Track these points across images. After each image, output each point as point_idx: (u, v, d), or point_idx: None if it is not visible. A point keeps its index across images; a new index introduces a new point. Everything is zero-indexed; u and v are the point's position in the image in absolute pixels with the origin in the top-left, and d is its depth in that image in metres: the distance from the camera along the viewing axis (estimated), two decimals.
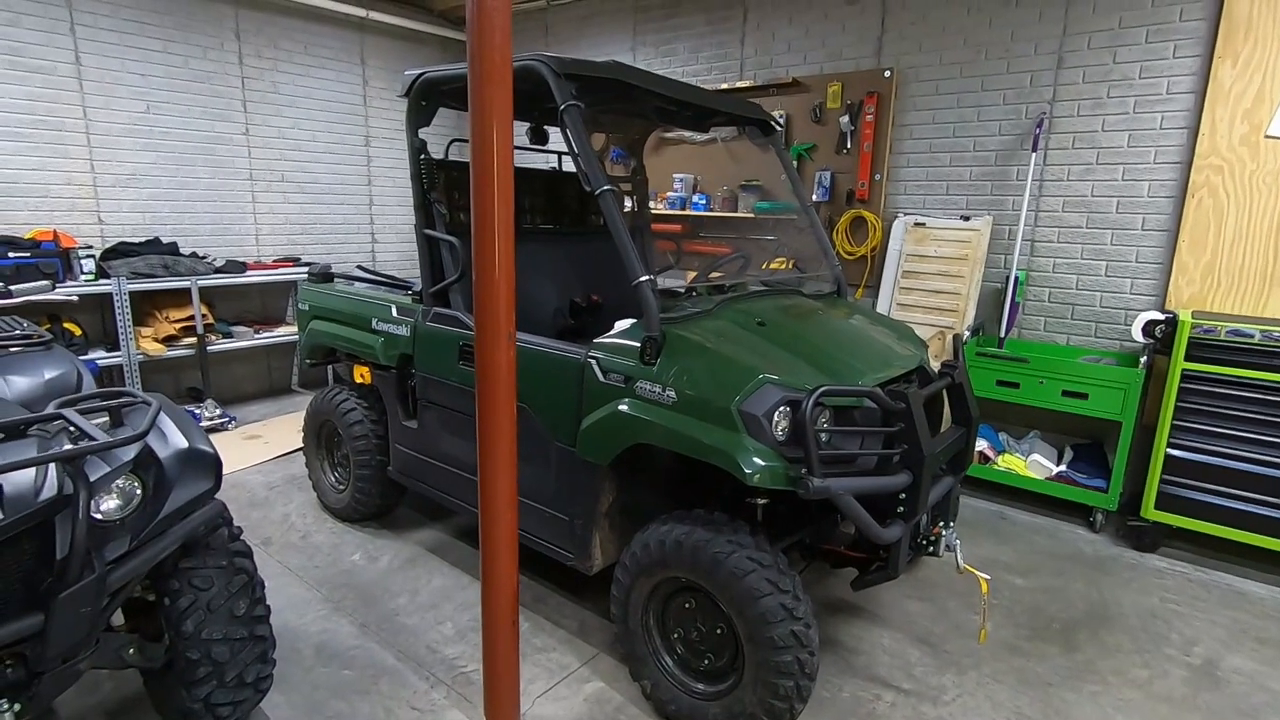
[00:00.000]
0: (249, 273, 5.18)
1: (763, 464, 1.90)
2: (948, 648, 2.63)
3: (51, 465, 1.50)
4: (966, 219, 4.21)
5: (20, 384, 1.99)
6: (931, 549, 2.33)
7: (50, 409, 1.58)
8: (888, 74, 4.43)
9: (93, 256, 4.46)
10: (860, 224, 4.67)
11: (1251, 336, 3.09)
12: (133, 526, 1.64)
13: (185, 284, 4.76)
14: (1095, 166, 3.84)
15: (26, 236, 4.34)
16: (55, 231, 4.43)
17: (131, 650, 1.84)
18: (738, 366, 2.03)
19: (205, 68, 5.14)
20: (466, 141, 2.28)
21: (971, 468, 3.20)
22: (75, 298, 4.32)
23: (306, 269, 5.41)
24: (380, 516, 3.55)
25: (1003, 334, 4.06)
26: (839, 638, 2.67)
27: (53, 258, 4.29)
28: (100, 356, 4.49)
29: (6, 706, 1.49)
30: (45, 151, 4.51)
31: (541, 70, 2.28)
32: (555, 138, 5.19)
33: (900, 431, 2.05)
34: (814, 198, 4.80)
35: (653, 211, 5.10)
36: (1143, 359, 3.49)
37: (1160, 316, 3.46)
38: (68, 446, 1.51)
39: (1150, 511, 3.37)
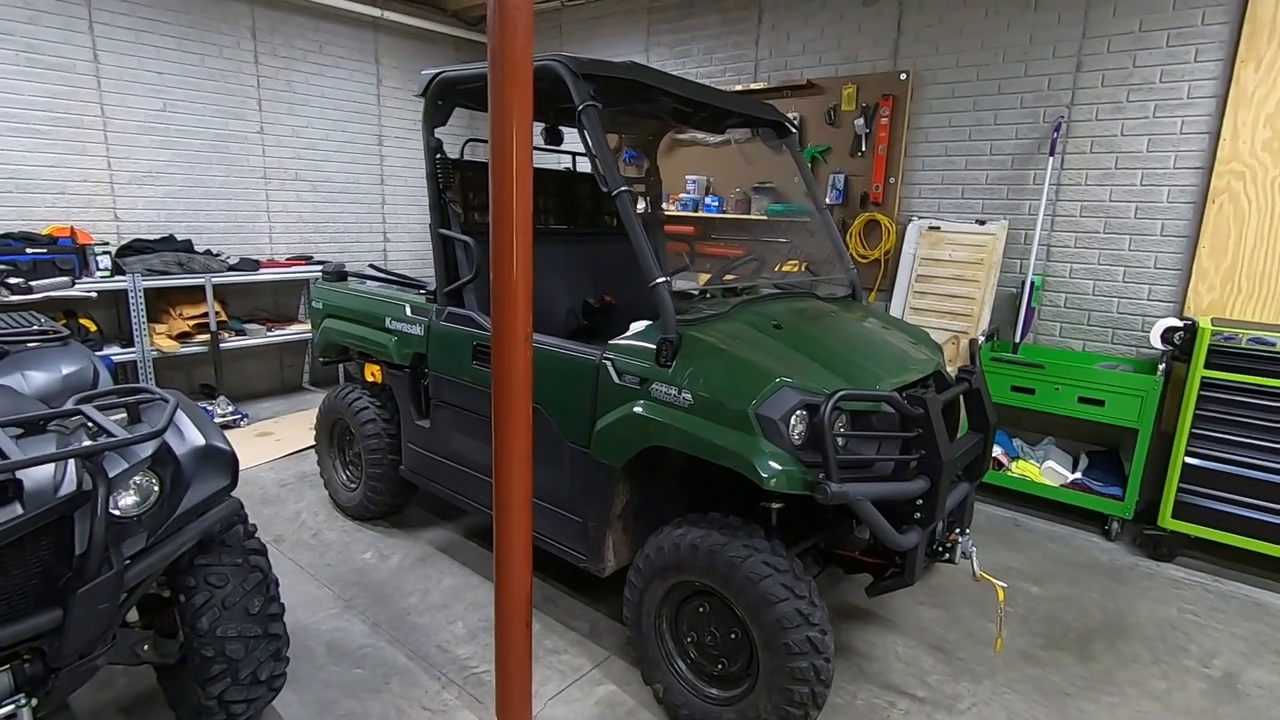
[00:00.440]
0: (262, 270, 5.20)
1: (780, 468, 1.88)
2: (962, 655, 2.61)
3: (71, 461, 1.51)
4: (982, 223, 4.18)
5: (38, 379, 2.00)
6: (947, 556, 2.31)
7: (69, 405, 1.58)
8: (904, 76, 4.41)
9: (109, 253, 4.49)
10: (874, 227, 4.64)
11: (1274, 345, 3.05)
12: (150, 523, 1.64)
13: (199, 281, 4.78)
14: (1114, 171, 3.80)
15: (44, 232, 4.37)
16: (72, 228, 4.46)
17: (146, 646, 1.85)
18: (755, 369, 2.01)
19: (221, 66, 5.17)
20: (482, 141, 2.28)
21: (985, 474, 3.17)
22: (94, 294, 4.35)
23: (319, 267, 5.43)
24: (391, 515, 3.55)
25: (1018, 339, 4.02)
26: (852, 644, 2.65)
27: (69, 254, 4.32)
28: (115, 352, 4.52)
29: (25, 701, 1.49)
30: (63, 148, 4.55)
31: (560, 70, 2.28)
32: (569, 138, 5.19)
33: (918, 437, 2.03)
34: (827, 200, 4.78)
35: (665, 213, 5.10)
36: (1161, 366, 3.45)
37: (1179, 323, 3.42)
38: (87, 442, 1.51)
39: (1167, 520, 3.33)
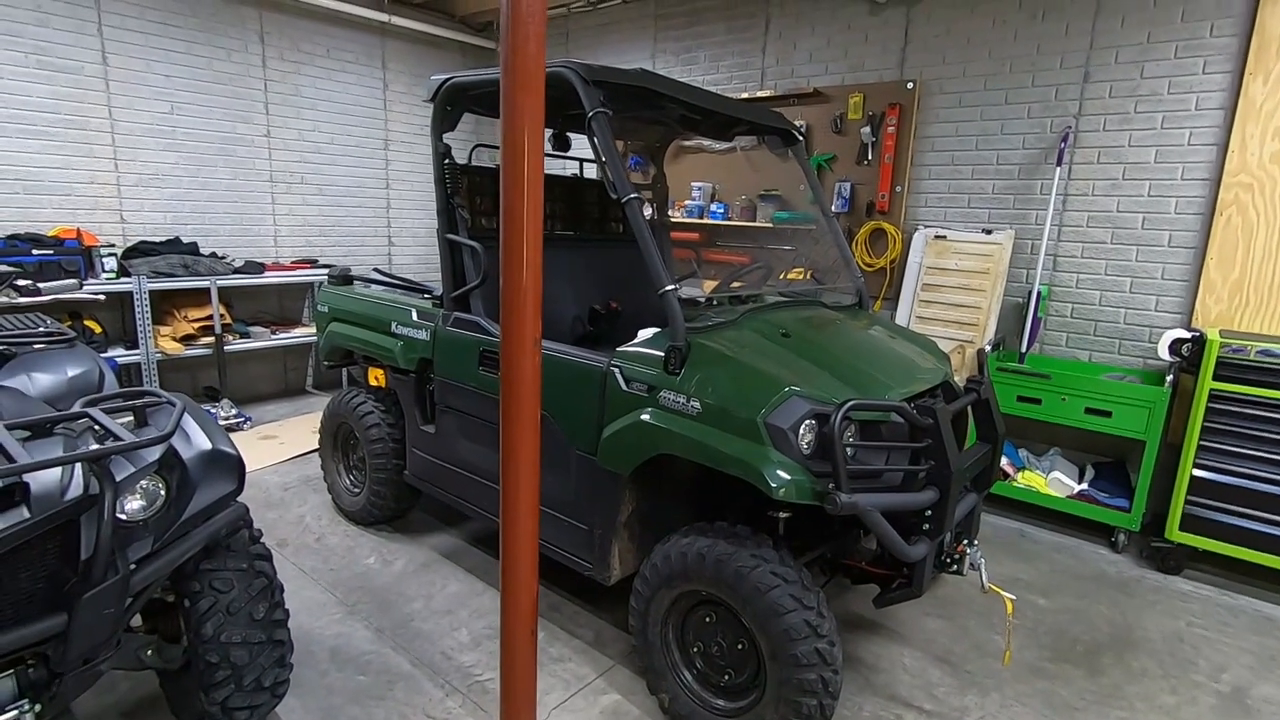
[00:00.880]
0: (267, 273, 5.20)
1: (788, 478, 1.87)
2: (969, 668, 2.59)
3: (78, 465, 1.50)
4: (988, 232, 4.17)
5: (44, 381, 1.99)
6: (955, 567, 2.29)
7: (76, 408, 1.57)
8: (910, 85, 4.41)
9: (114, 255, 4.49)
10: (880, 236, 4.64)
11: None
12: (156, 528, 1.63)
13: (204, 284, 4.78)
14: (1121, 182, 3.80)
15: (50, 234, 4.38)
16: (78, 230, 4.46)
17: (150, 652, 1.84)
18: (764, 378, 2.00)
19: (229, 69, 5.18)
20: (490, 147, 2.28)
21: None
22: (100, 296, 4.35)
23: (325, 271, 5.43)
24: (395, 520, 3.54)
25: (1024, 349, 4.01)
26: (859, 655, 2.63)
27: (75, 255, 4.32)
28: (119, 354, 4.52)
29: (28, 707, 1.48)
30: (70, 150, 4.55)
31: (570, 77, 2.28)
32: (576, 144, 5.19)
33: (928, 447, 2.02)
34: (834, 208, 4.78)
35: (671, 220, 5.09)
36: (1168, 377, 3.44)
37: (1187, 335, 3.41)
38: (94, 446, 1.50)
39: (1175, 533, 3.31)
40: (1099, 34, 3.79)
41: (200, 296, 4.93)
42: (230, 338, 5.04)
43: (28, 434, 1.54)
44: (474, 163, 3.33)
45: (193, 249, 4.96)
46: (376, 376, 3.41)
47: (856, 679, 2.49)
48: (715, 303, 2.54)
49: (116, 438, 1.48)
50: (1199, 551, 3.30)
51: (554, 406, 2.47)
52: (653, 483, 2.41)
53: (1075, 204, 3.95)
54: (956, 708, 2.37)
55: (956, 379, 3.80)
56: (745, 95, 5.12)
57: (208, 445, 1.77)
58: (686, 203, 5.48)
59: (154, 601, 1.96)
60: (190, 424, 1.81)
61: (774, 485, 1.86)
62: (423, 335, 3.02)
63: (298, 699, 2.28)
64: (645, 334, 2.31)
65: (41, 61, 4.37)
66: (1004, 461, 3.95)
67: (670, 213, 5.29)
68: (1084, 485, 3.73)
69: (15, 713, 1.47)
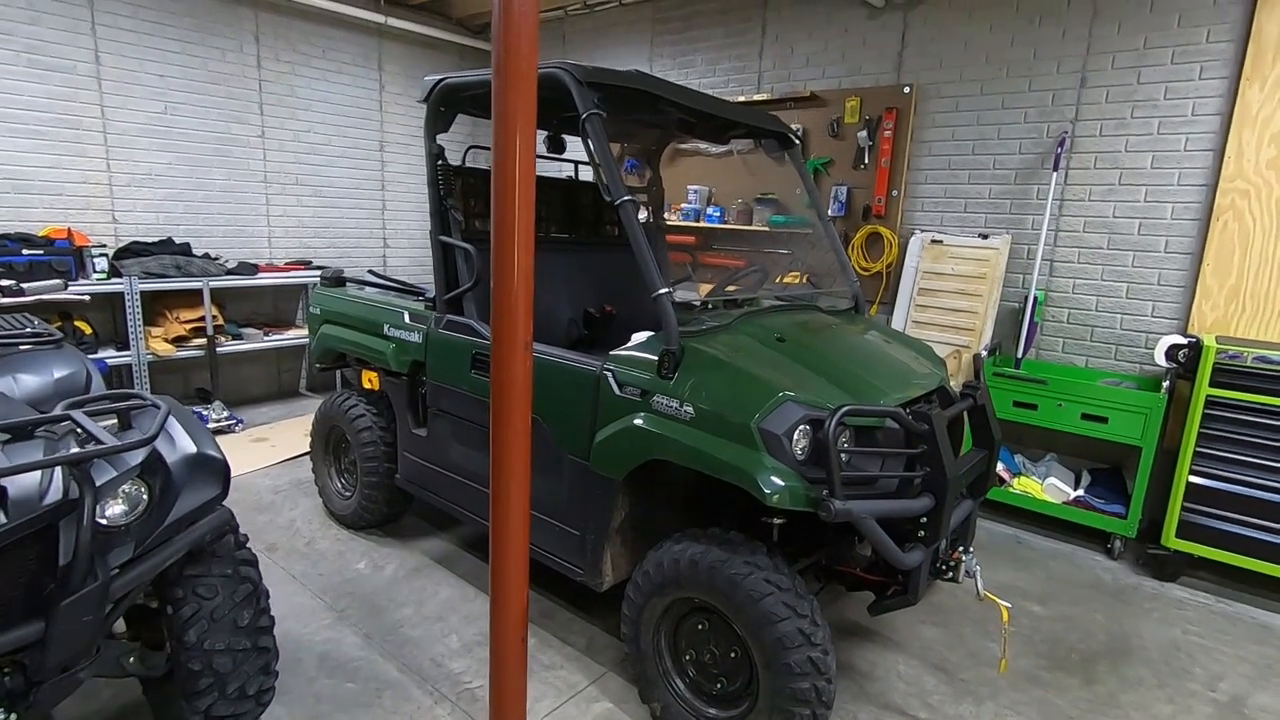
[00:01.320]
0: (260, 275, 5.17)
1: (783, 484, 1.85)
2: (964, 676, 2.56)
3: (57, 468, 1.47)
4: (985, 237, 4.16)
5: (29, 383, 1.96)
6: (951, 575, 2.27)
7: (58, 410, 1.55)
8: (907, 90, 4.40)
9: (106, 255, 4.46)
10: (876, 240, 4.62)
11: (1279, 363, 3.02)
12: (138, 533, 1.60)
13: (197, 285, 4.75)
14: (1118, 187, 3.79)
15: (41, 234, 4.34)
16: (69, 229, 4.43)
17: (132, 659, 1.80)
18: (758, 383, 1.98)
19: (223, 70, 5.15)
20: (484, 148, 2.26)
21: None
22: (87, 297, 4.31)
23: (318, 272, 5.40)
24: (386, 524, 3.50)
25: (1020, 355, 4.00)
26: (853, 662, 2.61)
27: (66, 255, 4.29)
28: (110, 356, 4.48)
29: (4, 715, 1.45)
30: (62, 149, 4.52)
31: (564, 79, 2.26)
32: (571, 146, 5.17)
33: (923, 454, 2.00)
34: (830, 213, 4.76)
35: (667, 223, 5.08)
36: (1165, 383, 3.43)
37: (1183, 340, 3.40)
38: (75, 449, 1.47)
39: (1171, 540, 3.29)
40: (1096, 39, 3.78)
41: (193, 298, 4.89)
42: (222, 339, 5.01)
43: (8, 436, 1.51)
44: (468, 164, 3.31)
45: (185, 249, 4.93)
46: (370, 379, 3.38)
47: (851, 687, 2.47)
48: (710, 306, 2.52)
49: (98, 441, 1.46)
50: (1195, 558, 3.29)
51: (547, 410, 2.45)
52: (646, 488, 2.39)
53: (1072, 209, 3.94)
54: (952, 716, 2.34)
55: (952, 384, 3.79)
56: (742, 99, 5.11)
57: (192, 449, 1.75)
58: (683, 206, 5.47)
59: (136, 608, 1.92)
60: (175, 427, 1.79)
61: (768, 491, 1.84)
62: (415, 338, 2.99)
63: (284, 706, 2.25)
64: (639, 338, 2.29)
65: (34, 60, 4.34)
66: (1000, 467, 3.94)
67: (666, 216, 5.28)
68: (1080, 491, 3.71)
69: None
